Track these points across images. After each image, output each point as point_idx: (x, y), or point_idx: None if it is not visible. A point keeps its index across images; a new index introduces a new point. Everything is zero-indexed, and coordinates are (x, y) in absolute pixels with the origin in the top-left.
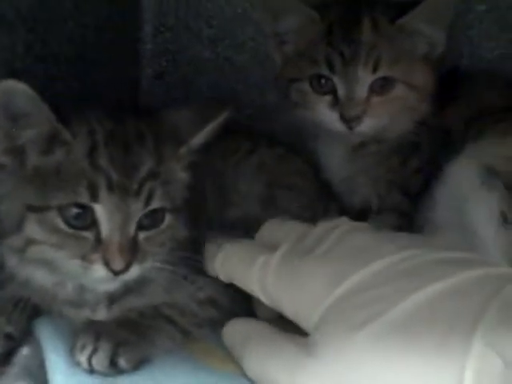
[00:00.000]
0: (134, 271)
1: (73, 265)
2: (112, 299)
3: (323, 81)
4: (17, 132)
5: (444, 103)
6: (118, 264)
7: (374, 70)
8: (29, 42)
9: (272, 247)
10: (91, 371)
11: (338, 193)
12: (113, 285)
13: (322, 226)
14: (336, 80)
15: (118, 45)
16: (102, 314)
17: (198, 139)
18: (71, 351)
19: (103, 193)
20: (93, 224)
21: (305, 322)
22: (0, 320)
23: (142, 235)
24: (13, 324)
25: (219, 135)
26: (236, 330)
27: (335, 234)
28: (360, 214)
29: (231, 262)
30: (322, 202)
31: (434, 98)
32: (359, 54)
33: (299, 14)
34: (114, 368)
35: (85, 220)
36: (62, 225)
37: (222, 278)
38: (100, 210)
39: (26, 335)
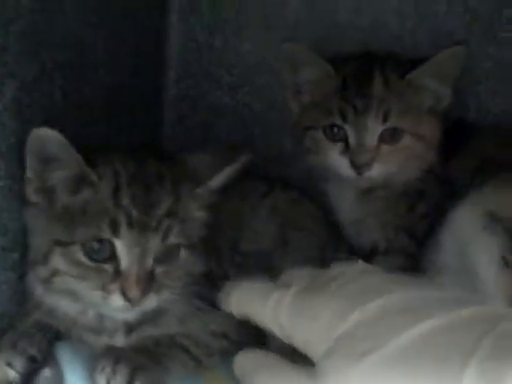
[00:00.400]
0: (150, 302)
1: (93, 295)
2: (130, 328)
3: (336, 129)
4: (48, 174)
5: (450, 154)
6: (134, 294)
7: (384, 121)
8: (65, 89)
9: (287, 286)
10: None
11: (347, 234)
12: (130, 314)
13: (337, 267)
14: (348, 129)
15: (143, 90)
16: (119, 341)
17: (216, 181)
18: (91, 373)
19: (123, 229)
20: (112, 257)
21: (314, 353)
22: (25, 343)
23: (159, 269)
24: (36, 347)
25: (237, 177)
26: (246, 361)
27: (349, 273)
28: (368, 255)
29: (245, 298)
30: (332, 243)
31: (440, 148)
32: (370, 107)
33: (317, 66)
34: None
35: (105, 253)
36: (83, 258)
37: (236, 314)
38: (120, 245)
39: (48, 358)
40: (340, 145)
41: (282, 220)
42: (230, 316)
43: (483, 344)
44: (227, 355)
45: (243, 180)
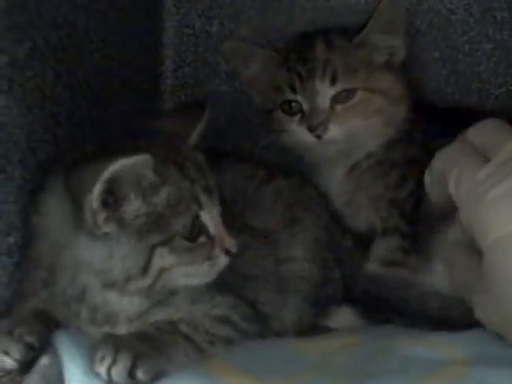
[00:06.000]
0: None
1: (203, 268)
2: (141, 313)
3: (293, 104)
4: (122, 199)
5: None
6: (233, 245)
7: (333, 82)
8: (58, 70)
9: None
10: (109, 382)
11: (343, 218)
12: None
13: None
14: (299, 98)
15: (140, 78)
16: (122, 329)
17: (193, 139)
18: (91, 362)
19: (203, 198)
20: (201, 229)
21: (478, 242)
22: (22, 330)
23: None
24: (34, 335)
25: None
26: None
27: None
28: (367, 237)
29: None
30: (339, 227)
31: (412, 106)
32: (314, 70)
33: (261, 56)
34: (131, 379)
35: (195, 229)
36: (186, 244)
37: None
38: (203, 214)
39: (47, 346)
40: (298, 116)
41: (287, 201)
42: (232, 301)
43: None
44: (231, 344)
45: (244, 163)
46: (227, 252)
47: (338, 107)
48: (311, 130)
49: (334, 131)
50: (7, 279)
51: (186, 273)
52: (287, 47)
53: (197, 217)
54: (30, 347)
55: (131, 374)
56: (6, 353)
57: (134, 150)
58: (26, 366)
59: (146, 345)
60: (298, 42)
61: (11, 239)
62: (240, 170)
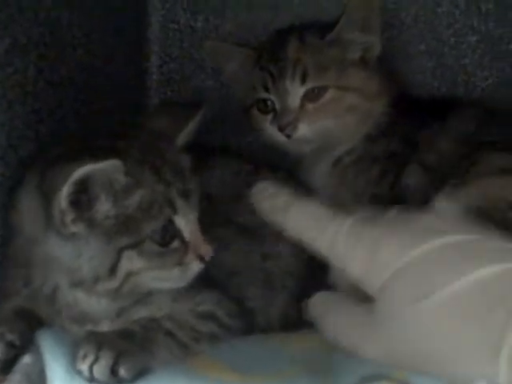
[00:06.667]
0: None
1: (173, 273)
2: (120, 311)
3: (268, 103)
4: (91, 201)
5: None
6: (208, 252)
7: (303, 81)
8: (40, 66)
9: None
10: (91, 380)
11: None
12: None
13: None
14: (272, 97)
15: (125, 74)
16: (104, 327)
17: (182, 138)
18: (73, 360)
19: (178, 202)
20: (175, 234)
21: (369, 285)
22: (3, 328)
23: None
24: (15, 333)
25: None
26: (318, 304)
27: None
28: None
29: (302, 222)
30: None
31: (392, 100)
32: (285, 69)
33: (239, 53)
34: (114, 377)
35: (168, 234)
36: (157, 248)
37: (291, 236)
38: (178, 219)
39: (29, 344)
40: (271, 115)
41: None
42: (216, 297)
43: None
44: (216, 340)
45: (231, 158)
46: (201, 259)
47: (309, 106)
48: (281, 129)
49: (302, 130)
50: None
51: (156, 277)
52: (262, 46)
53: (170, 221)
54: (11, 345)
55: (113, 371)
56: None
57: (111, 152)
58: (8, 364)
59: (129, 342)
60: (272, 40)
61: None
62: (227, 165)
